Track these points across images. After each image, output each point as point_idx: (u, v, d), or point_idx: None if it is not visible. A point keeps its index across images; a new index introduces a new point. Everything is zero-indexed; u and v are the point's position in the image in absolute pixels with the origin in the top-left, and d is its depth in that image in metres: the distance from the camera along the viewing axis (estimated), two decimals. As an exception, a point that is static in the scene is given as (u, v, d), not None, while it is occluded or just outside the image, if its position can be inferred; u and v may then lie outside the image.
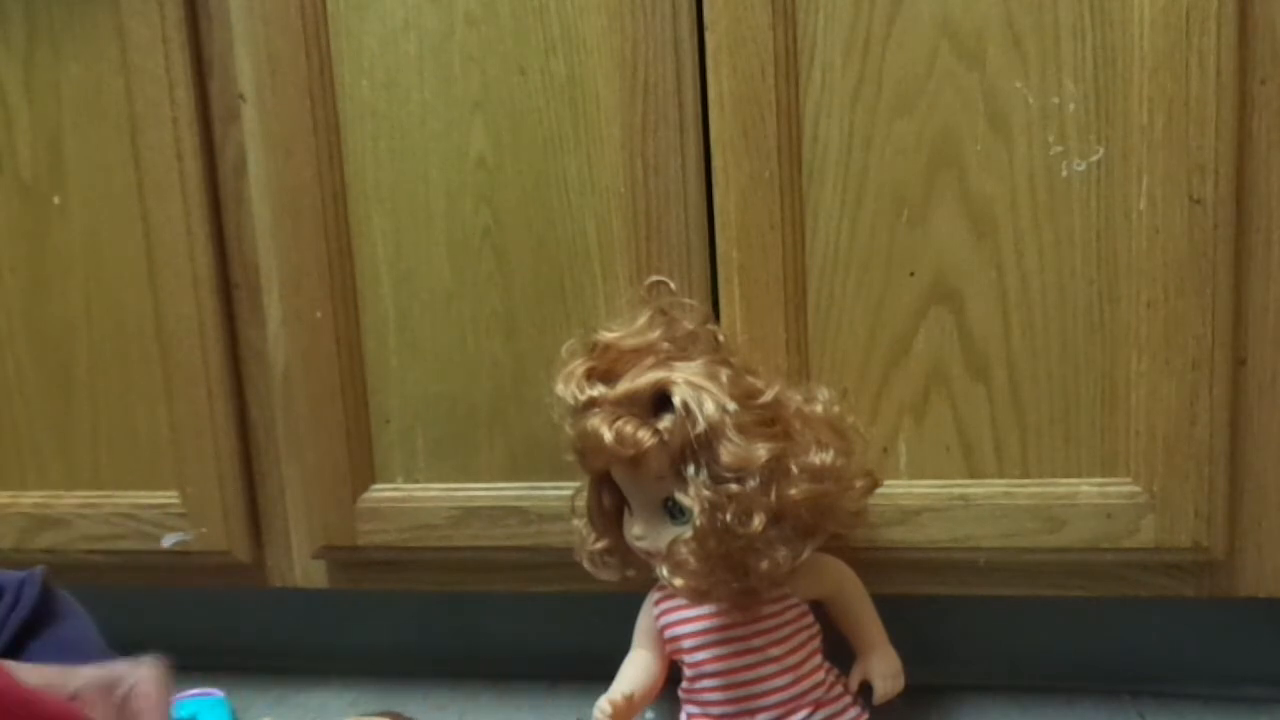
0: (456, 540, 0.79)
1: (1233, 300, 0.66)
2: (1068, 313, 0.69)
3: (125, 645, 0.54)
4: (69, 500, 0.86)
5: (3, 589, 0.56)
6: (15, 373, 0.86)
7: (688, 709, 0.70)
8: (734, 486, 0.61)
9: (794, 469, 0.63)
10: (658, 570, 0.66)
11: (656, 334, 0.67)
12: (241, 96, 0.79)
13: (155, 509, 0.84)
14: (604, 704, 0.67)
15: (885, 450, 0.72)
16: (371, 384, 0.79)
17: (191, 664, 0.70)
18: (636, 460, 0.64)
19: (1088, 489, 0.70)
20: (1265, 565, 0.70)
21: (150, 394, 0.83)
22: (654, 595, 0.72)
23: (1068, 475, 0.70)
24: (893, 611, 0.73)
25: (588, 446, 0.65)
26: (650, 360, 0.66)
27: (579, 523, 0.72)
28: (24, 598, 0.56)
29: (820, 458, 0.64)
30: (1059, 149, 0.67)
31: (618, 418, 0.64)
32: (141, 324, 0.82)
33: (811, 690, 0.68)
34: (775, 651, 0.68)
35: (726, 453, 0.61)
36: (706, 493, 0.61)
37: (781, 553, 0.64)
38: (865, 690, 0.72)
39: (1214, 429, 0.67)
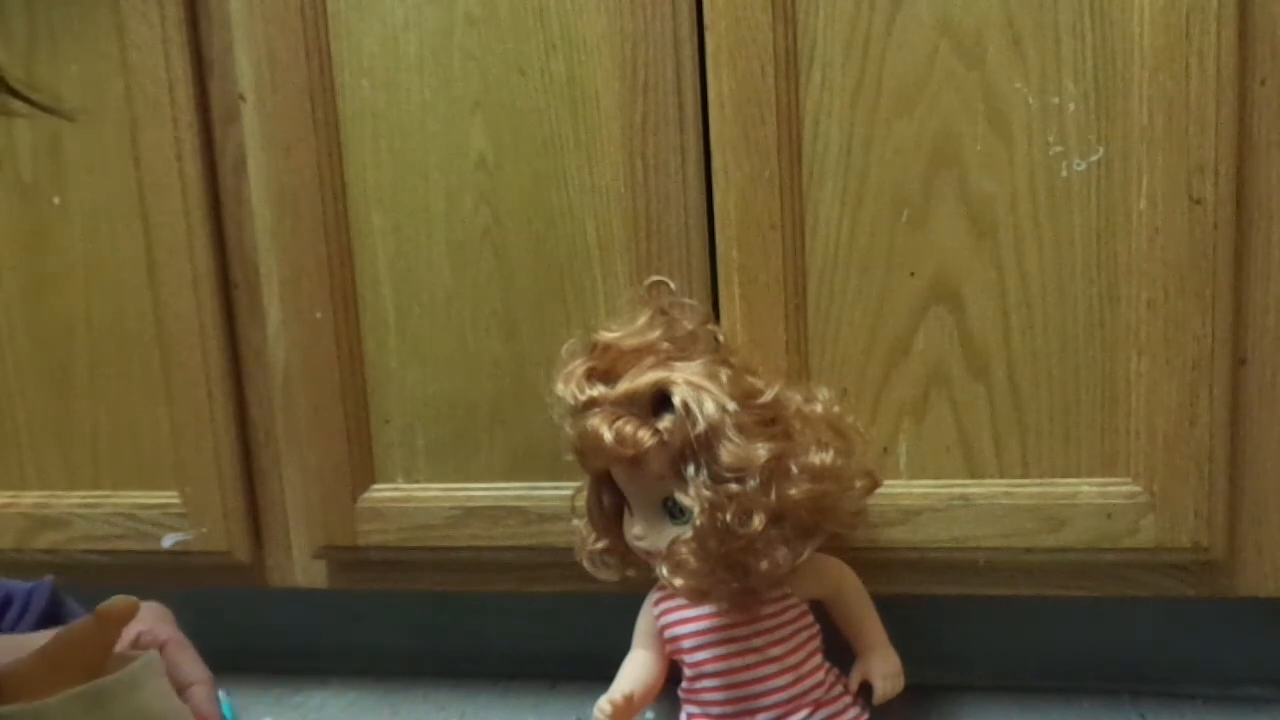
0: (456, 540, 0.79)
1: (1233, 300, 0.66)
2: (1068, 313, 0.69)
3: (125, 645, 0.54)
4: (69, 500, 0.86)
5: (11, 598, 0.57)
6: (15, 373, 0.86)
7: (688, 709, 0.70)
8: (734, 486, 0.61)
9: (794, 469, 0.63)
10: (658, 570, 0.66)
11: (656, 334, 0.67)
12: (241, 96, 0.79)
13: (155, 509, 0.84)
14: (604, 704, 0.67)
15: (885, 450, 0.72)
16: (371, 384, 0.79)
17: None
18: (636, 460, 0.64)
19: (1088, 489, 0.70)
20: (1265, 565, 0.70)
21: (150, 394, 0.83)
22: (654, 595, 0.72)
23: (1068, 475, 0.70)
24: (893, 611, 0.73)
25: (588, 446, 0.65)
26: (650, 360, 0.66)
27: (579, 523, 0.72)
28: (32, 606, 0.56)
29: (820, 458, 0.64)
30: (1059, 149, 0.67)
31: (618, 418, 0.64)
32: (141, 324, 0.82)
33: (811, 690, 0.68)
34: (775, 651, 0.68)
35: (726, 453, 0.61)
36: (706, 493, 0.61)
37: (781, 553, 0.64)
38: (865, 690, 0.72)
39: (1214, 429, 0.67)
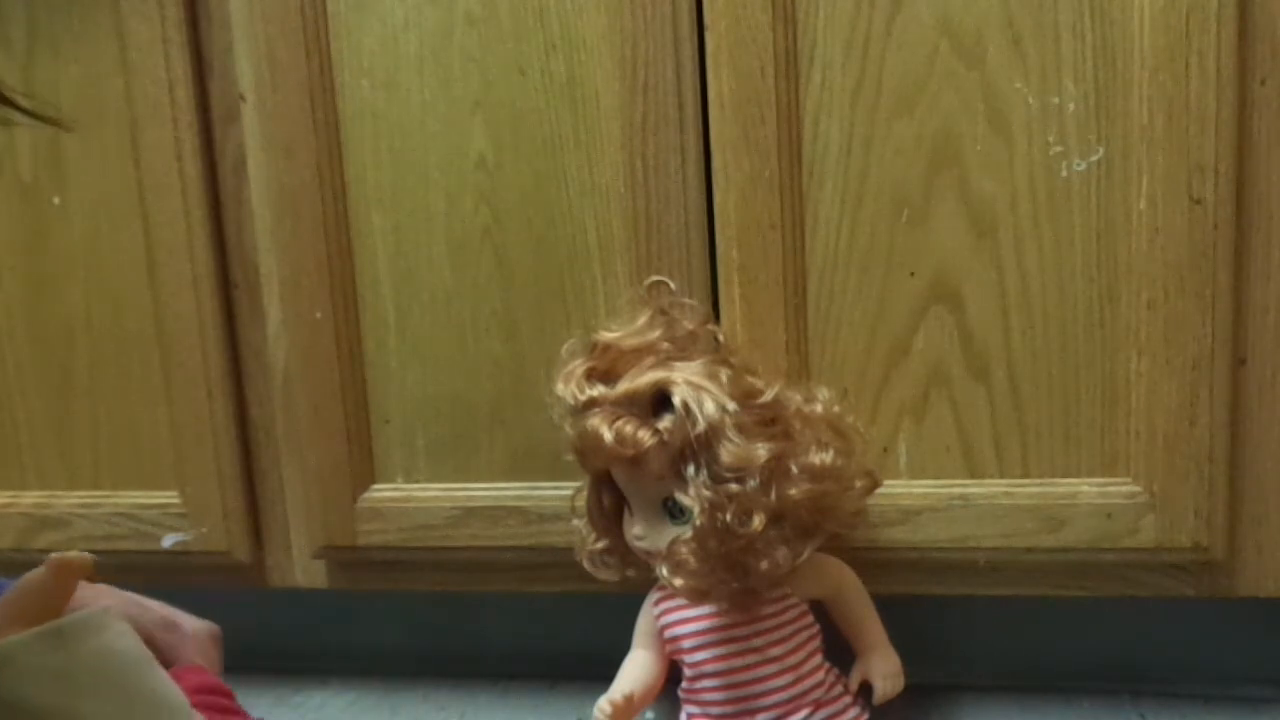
0: (456, 540, 0.79)
1: (1233, 300, 0.66)
2: (1068, 313, 0.69)
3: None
4: (69, 500, 0.86)
5: None
6: (15, 373, 0.86)
7: (688, 709, 0.70)
8: (734, 486, 0.61)
9: (794, 469, 0.63)
10: (658, 570, 0.66)
11: (656, 334, 0.67)
12: (241, 96, 0.79)
13: (155, 509, 0.84)
14: (604, 704, 0.67)
15: (885, 450, 0.73)
16: (371, 384, 0.79)
17: (191, 664, 0.69)
18: (636, 460, 0.64)
19: (1088, 489, 0.70)
20: (1265, 565, 0.69)
21: (150, 394, 0.83)
22: (654, 595, 0.72)
23: (1068, 475, 0.70)
24: (893, 611, 0.73)
25: (588, 446, 0.65)
26: (650, 360, 0.66)
27: (579, 523, 0.72)
28: None
29: (820, 458, 0.64)
30: (1059, 149, 0.67)
31: (618, 418, 0.64)
32: (141, 324, 0.82)
33: (811, 690, 0.68)
34: (775, 651, 0.68)
35: (726, 453, 0.61)
36: (706, 493, 0.61)
37: (781, 553, 0.64)
38: (865, 690, 0.72)
39: (1214, 429, 0.67)
